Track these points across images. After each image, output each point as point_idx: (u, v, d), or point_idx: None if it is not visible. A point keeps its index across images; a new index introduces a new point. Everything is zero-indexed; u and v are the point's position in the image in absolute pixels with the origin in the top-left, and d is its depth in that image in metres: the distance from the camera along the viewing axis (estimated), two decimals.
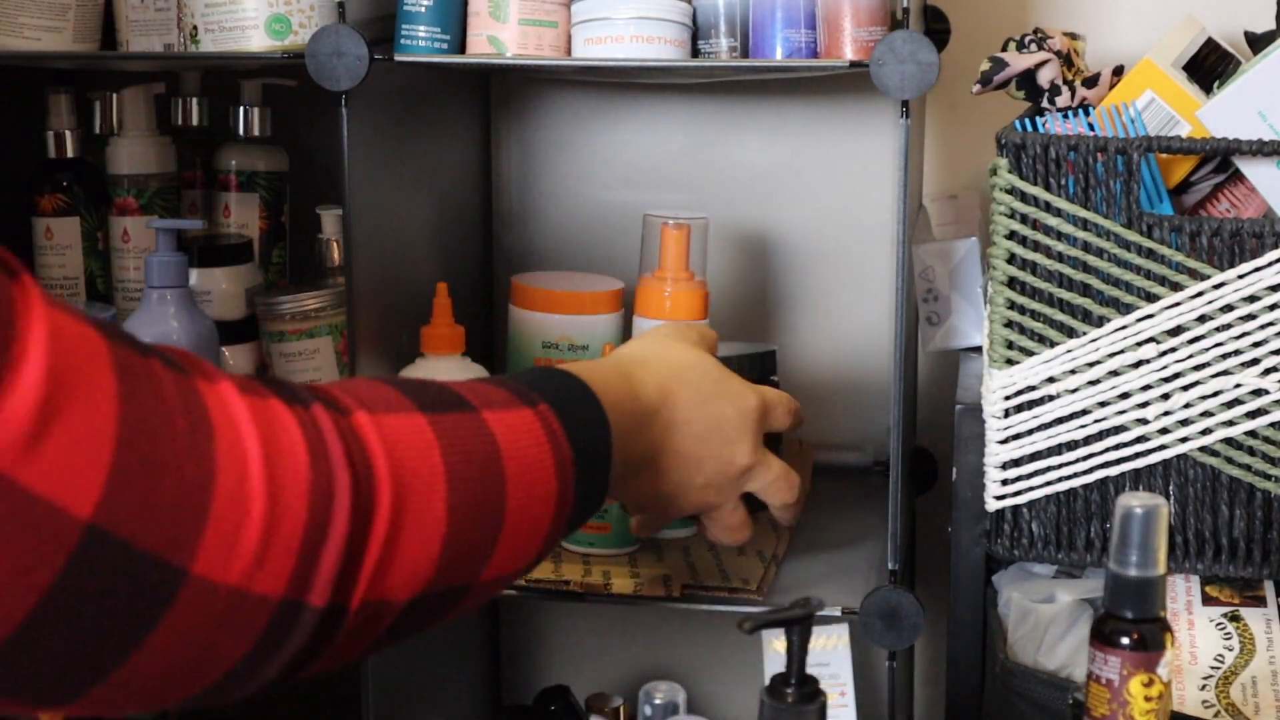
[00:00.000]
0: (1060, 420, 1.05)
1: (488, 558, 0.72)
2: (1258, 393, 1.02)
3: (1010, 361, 1.05)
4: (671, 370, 0.93)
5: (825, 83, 1.45)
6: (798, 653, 0.73)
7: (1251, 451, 1.03)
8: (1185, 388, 1.03)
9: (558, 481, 0.76)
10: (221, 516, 0.58)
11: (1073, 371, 1.04)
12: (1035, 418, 1.05)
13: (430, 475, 0.68)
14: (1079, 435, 1.05)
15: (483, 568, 0.72)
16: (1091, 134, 1.04)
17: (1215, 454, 1.03)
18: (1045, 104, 1.10)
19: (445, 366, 1.24)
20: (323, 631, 0.63)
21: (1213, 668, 1.01)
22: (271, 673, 0.63)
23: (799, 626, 0.72)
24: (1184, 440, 1.03)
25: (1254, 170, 1.04)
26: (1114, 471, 1.05)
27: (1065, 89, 1.10)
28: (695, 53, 1.22)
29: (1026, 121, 1.06)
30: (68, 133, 1.46)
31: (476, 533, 0.70)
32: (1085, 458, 1.05)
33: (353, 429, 0.65)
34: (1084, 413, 1.04)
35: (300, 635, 0.62)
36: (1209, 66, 1.16)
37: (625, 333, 1.29)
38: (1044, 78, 1.10)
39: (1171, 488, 1.05)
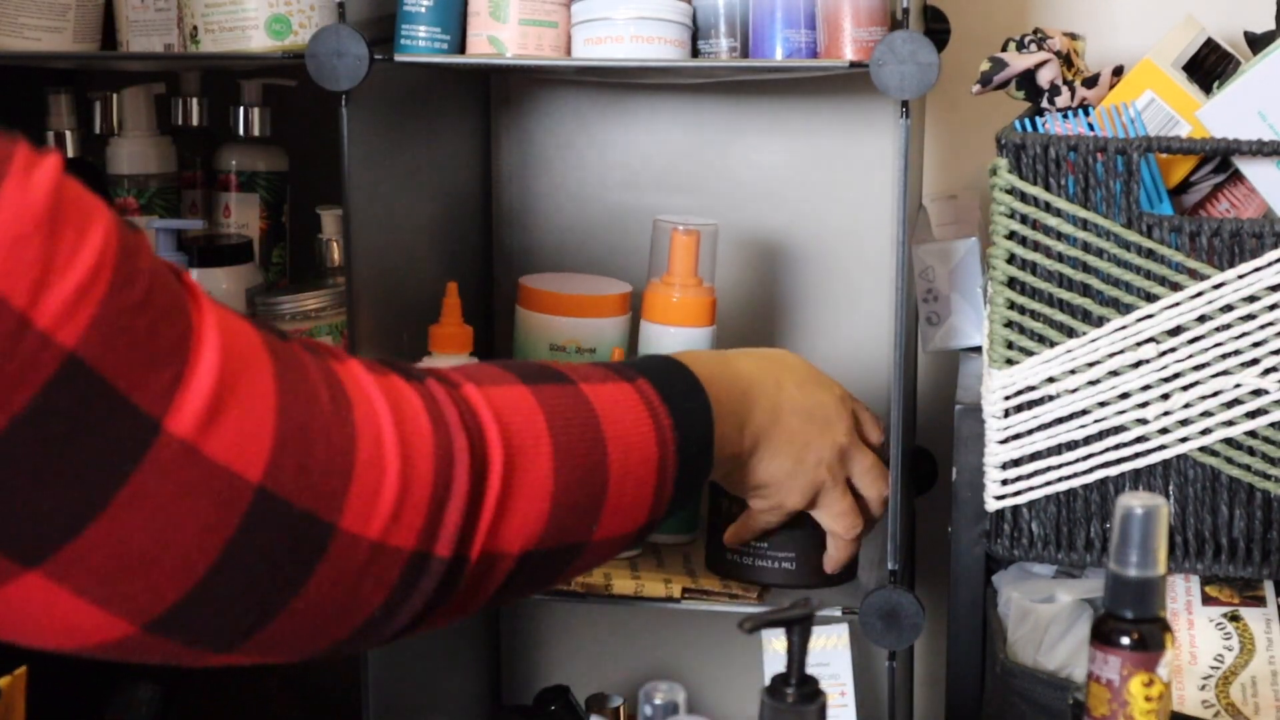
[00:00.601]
0: (1060, 420, 1.05)
1: (596, 518, 0.78)
2: (1258, 393, 1.02)
3: (1010, 361, 1.05)
4: (767, 360, 0.99)
5: (825, 83, 1.45)
6: (798, 653, 0.72)
7: (1251, 451, 1.03)
8: (1185, 388, 1.03)
9: (658, 448, 0.81)
10: (363, 478, 0.65)
11: (1073, 371, 1.04)
12: (1035, 418, 1.05)
13: (536, 439, 0.74)
14: (1079, 435, 1.05)
15: (593, 528, 0.78)
16: (1091, 134, 1.04)
17: (1215, 454, 1.03)
18: (1045, 104, 1.10)
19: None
20: (447, 581, 0.69)
21: (1212, 668, 1.01)
22: (404, 619, 0.69)
23: (799, 626, 0.72)
24: (1184, 440, 1.03)
25: (1254, 170, 1.04)
26: (1114, 471, 1.05)
27: (1065, 89, 1.10)
28: (695, 53, 1.22)
29: (1026, 121, 1.06)
30: (68, 133, 1.46)
31: (582, 493, 0.76)
32: (1085, 458, 1.05)
33: (464, 398, 0.72)
34: (1084, 413, 1.04)
35: (428, 584, 0.69)
36: (1209, 66, 1.16)
37: (633, 336, 1.29)
38: (1044, 78, 1.10)
39: (1171, 488, 1.05)
